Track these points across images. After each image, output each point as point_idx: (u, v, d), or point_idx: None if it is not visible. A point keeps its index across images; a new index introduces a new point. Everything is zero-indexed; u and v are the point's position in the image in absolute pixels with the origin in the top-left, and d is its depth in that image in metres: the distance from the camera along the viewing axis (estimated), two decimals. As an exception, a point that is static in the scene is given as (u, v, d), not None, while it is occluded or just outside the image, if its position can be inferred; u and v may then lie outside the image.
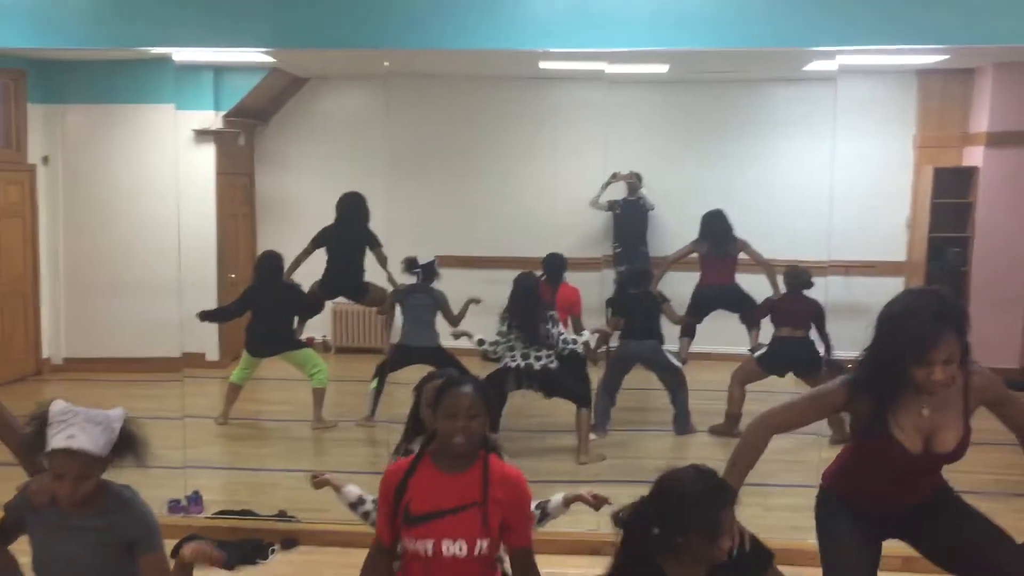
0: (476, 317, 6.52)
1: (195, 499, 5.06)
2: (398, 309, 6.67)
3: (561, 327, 6.01)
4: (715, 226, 6.91)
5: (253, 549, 4.62)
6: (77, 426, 2.48)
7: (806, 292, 6.36)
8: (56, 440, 2.48)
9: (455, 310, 6.49)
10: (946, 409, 2.63)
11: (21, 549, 2.72)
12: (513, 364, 5.86)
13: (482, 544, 2.60)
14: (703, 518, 2.43)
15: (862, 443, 2.73)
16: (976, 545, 2.76)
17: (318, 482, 3.40)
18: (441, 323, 6.49)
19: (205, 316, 6.53)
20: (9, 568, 3.14)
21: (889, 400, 2.62)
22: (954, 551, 2.82)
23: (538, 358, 5.85)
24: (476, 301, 6.50)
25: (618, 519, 2.61)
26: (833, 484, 2.91)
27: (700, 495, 2.46)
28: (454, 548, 2.59)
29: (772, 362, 6.42)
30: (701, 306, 7.02)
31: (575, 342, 5.98)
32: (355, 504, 3.33)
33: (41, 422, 2.56)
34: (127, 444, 2.60)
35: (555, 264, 6.72)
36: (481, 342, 6.00)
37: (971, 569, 2.80)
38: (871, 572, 2.82)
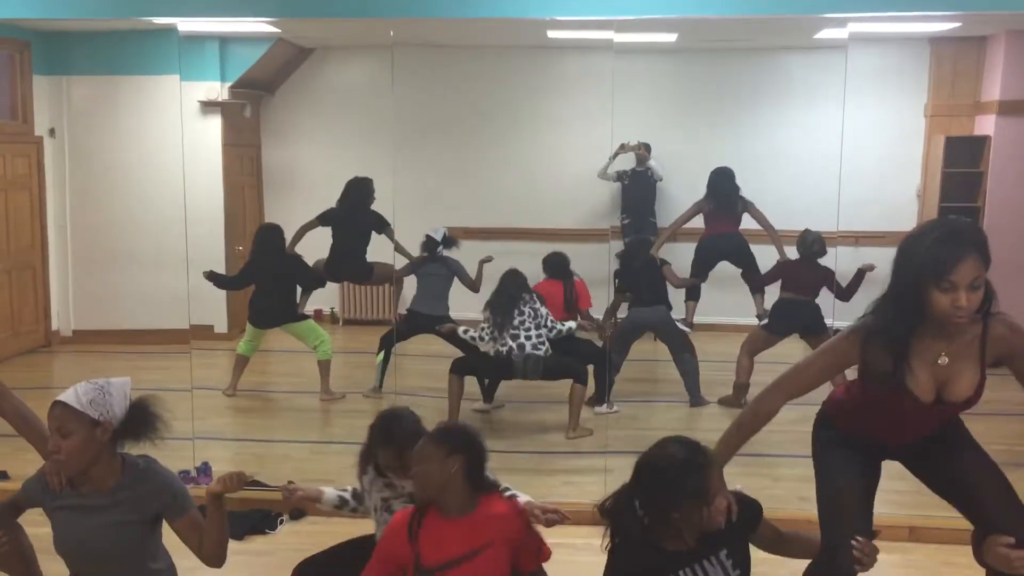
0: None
1: (204, 470, 5.09)
2: (409, 280, 6.68)
3: (545, 309, 5.90)
4: (722, 183, 6.83)
5: (262, 519, 4.64)
6: (76, 385, 2.54)
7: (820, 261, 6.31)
8: None
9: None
10: (963, 357, 2.49)
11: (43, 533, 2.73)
12: (504, 348, 5.75)
13: None
14: (690, 487, 2.43)
15: (869, 386, 2.60)
16: (976, 487, 2.68)
17: (294, 500, 3.39)
18: (454, 295, 6.52)
19: (210, 276, 6.51)
20: (18, 539, 3.15)
21: (907, 343, 2.46)
22: (952, 485, 2.75)
23: (528, 338, 5.74)
24: (489, 260, 6.51)
25: (604, 509, 2.60)
26: (833, 414, 2.81)
27: (681, 465, 2.46)
28: None
29: (777, 324, 6.39)
30: (705, 258, 6.96)
31: (560, 332, 5.89)
32: (340, 507, 3.34)
33: None
34: (136, 422, 2.59)
35: (556, 262, 6.56)
36: (465, 331, 5.99)
37: (965, 506, 2.75)
38: (867, 494, 2.74)
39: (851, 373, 2.74)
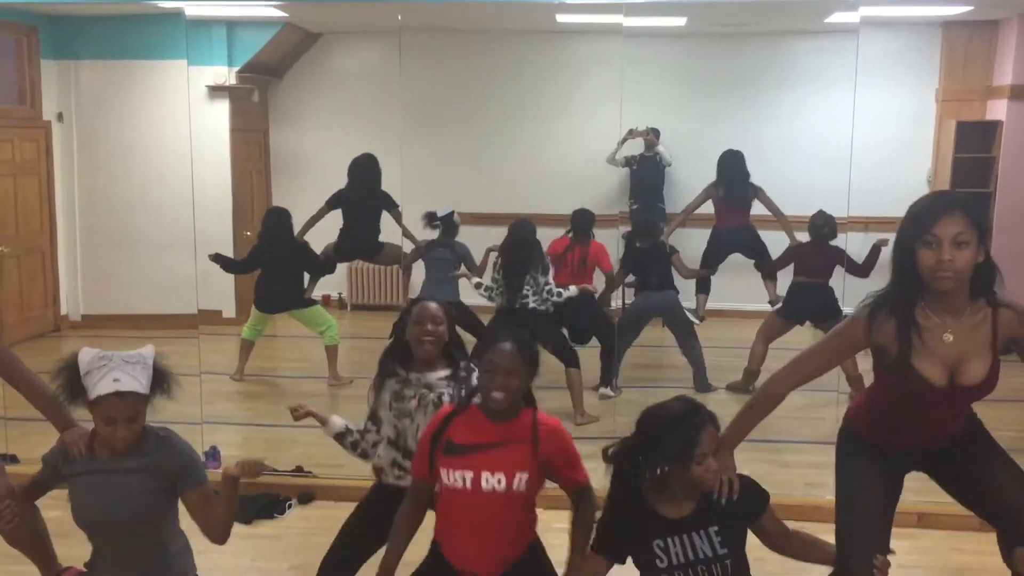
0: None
1: (213, 454, 5.10)
2: (416, 266, 6.66)
3: (550, 278, 5.97)
4: (732, 167, 6.80)
5: (270, 504, 4.66)
6: (118, 369, 2.49)
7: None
8: (102, 386, 2.47)
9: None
10: (972, 340, 2.46)
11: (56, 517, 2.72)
12: (503, 305, 5.86)
13: (521, 478, 2.64)
14: (679, 437, 2.47)
15: (884, 377, 2.59)
16: (1001, 492, 2.65)
17: (299, 415, 3.41)
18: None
19: (216, 259, 6.51)
20: (33, 519, 3.16)
21: (908, 310, 2.45)
22: (979, 493, 2.72)
23: (524, 300, 5.81)
24: (496, 249, 6.49)
25: (607, 455, 2.65)
26: (856, 421, 2.79)
27: (675, 417, 2.52)
28: (493, 481, 2.64)
29: (789, 309, 6.36)
30: (717, 251, 6.94)
31: (559, 295, 5.94)
32: (342, 435, 3.38)
33: (71, 373, 2.55)
34: (160, 380, 2.61)
35: (582, 220, 6.62)
36: (479, 284, 6.02)
37: (991, 514, 2.74)
38: (887, 510, 2.72)
39: (868, 378, 2.72)
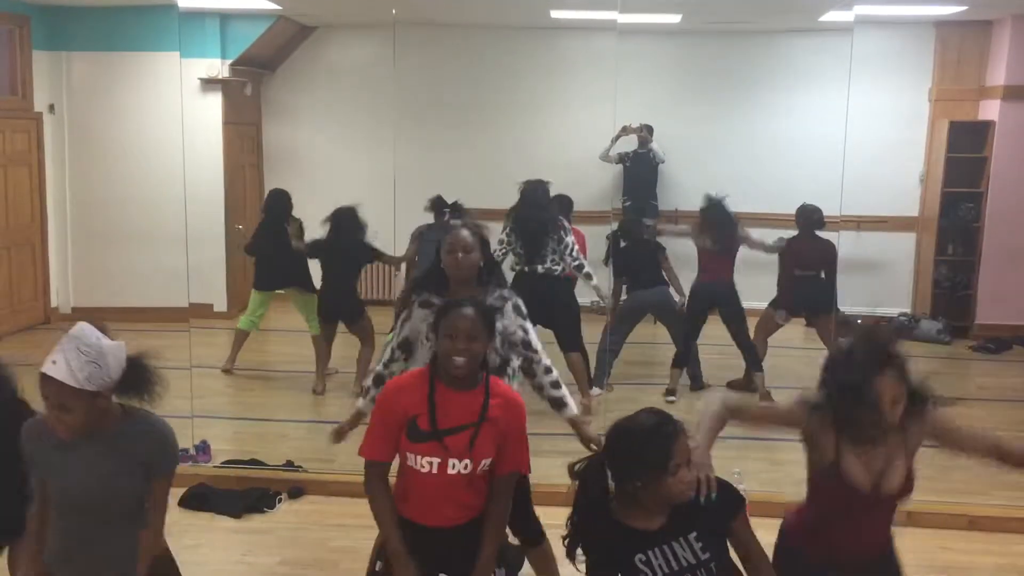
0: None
1: (203, 448, 5.09)
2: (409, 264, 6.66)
3: (573, 239, 5.85)
4: (717, 219, 6.34)
5: (260, 498, 4.64)
6: (64, 353, 2.40)
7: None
8: (44, 361, 2.40)
9: None
10: (895, 449, 2.61)
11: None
12: (517, 268, 5.78)
13: (486, 464, 2.66)
14: (653, 452, 2.41)
15: (816, 481, 2.71)
16: None
17: (342, 438, 3.45)
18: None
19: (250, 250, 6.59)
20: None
21: (843, 428, 2.60)
22: None
23: (542, 262, 5.74)
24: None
25: (573, 471, 2.60)
26: (790, 532, 2.86)
27: (646, 433, 2.46)
28: (459, 466, 2.63)
29: (784, 303, 6.34)
30: (699, 305, 6.47)
31: (589, 276, 5.87)
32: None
33: None
34: (133, 380, 2.52)
35: (561, 206, 6.52)
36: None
37: None
38: None
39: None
